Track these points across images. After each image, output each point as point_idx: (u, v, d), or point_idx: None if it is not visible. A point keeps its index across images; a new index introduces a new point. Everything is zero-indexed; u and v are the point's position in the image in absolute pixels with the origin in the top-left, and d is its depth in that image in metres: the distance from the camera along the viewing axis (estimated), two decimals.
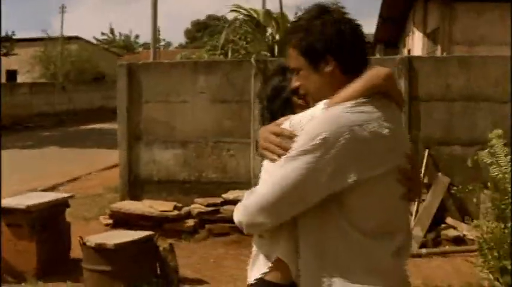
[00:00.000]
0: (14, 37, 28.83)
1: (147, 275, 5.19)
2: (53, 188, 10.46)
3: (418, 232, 6.64)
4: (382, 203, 1.70)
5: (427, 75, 7.25)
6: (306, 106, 1.85)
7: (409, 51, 15.38)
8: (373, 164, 1.65)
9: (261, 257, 1.84)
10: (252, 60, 7.30)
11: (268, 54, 7.88)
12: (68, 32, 36.40)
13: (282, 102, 2.01)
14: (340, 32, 1.76)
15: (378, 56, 20.11)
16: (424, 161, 7.04)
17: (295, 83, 1.87)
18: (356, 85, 1.71)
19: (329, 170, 1.62)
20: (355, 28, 1.81)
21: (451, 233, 6.75)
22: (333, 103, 1.70)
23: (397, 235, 1.76)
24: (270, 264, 1.81)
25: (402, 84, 7.13)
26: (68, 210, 8.42)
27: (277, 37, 7.66)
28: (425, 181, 7.05)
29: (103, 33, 57.07)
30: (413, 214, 6.74)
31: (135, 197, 7.94)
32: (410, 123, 7.18)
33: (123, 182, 8.10)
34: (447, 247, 6.61)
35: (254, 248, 1.89)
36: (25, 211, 5.55)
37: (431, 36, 12.03)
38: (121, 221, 7.36)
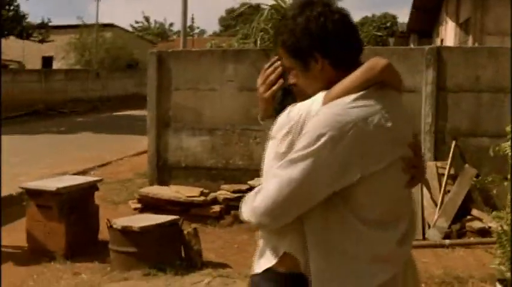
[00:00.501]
0: (49, 24, 29.31)
1: (171, 258, 5.31)
2: (83, 173, 10.66)
3: (442, 223, 6.63)
4: (386, 194, 1.71)
5: (455, 66, 7.20)
6: (308, 95, 1.82)
7: (441, 41, 15.20)
8: (378, 158, 1.66)
9: (268, 250, 1.82)
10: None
11: None
12: (105, 20, 36.72)
13: (282, 92, 1.91)
14: (325, 26, 1.73)
15: (411, 45, 19.90)
16: (451, 152, 7.00)
17: (291, 80, 1.86)
18: (351, 78, 1.69)
19: (335, 169, 1.63)
20: (340, 19, 1.77)
21: (476, 224, 6.71)
22: (330, 98, 1.69)
23: (401, 222, 1.78)
24: (278, 257, 1.79)
25: (430, 75, 7.10)
26: (98, 194, 8.63)
27: None
28: (452, 172, 7.02)
29: (137, 22, 57.61)
30: (439, 204, 6.73)
31: (163, 182, 8.09)
32: (437, 114, 7.15)
33: (152, 168, 8.26)
34: (471, 238, 6.58)
35: (261, 240, 1.88)
36: (54, 193, 5.72)
37: (464, 27, 11.87)
38: (149, 205, 7.52)
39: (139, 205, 7.73)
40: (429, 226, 6.65)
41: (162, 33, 57.15)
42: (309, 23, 1.74)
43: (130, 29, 47.70)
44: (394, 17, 41.06)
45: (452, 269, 5.52)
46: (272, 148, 1.79)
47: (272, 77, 1.92)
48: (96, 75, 31.03)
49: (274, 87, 1.91)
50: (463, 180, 6.97)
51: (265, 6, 8.21)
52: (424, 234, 6.59)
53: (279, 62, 1.90)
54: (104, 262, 5.65)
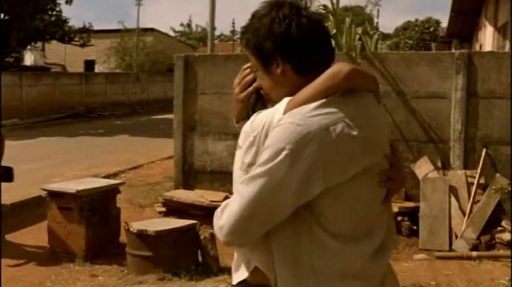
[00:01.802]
0: (91, 28, 29.86)
1: (186, 263, 5.28)
2: (115, 175, 10.80)
3: (470, 233, 6.42)
4: (354, 206, 1.62)
5: (487, 72, 6.97)
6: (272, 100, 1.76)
7: (480, 46, 14.84)
8: (342, 169, 1.56)
9: (243, 263, 1.78)
10: None
11: None
12: (148, 24, 37.32)
13: (256, 95, 1.85)
14: (288, 29, 1.65)
15: (453, 50, 19.52)
16: (481, 160, 6.78)
17: (257, 82, 1.80)
18: (312, 86, 1.61)
19: (296, 185, 1.55)
20: (307, 24, 1.68)
21: (506, 236, 6.47)
22: (291, 106, 1.61)
23: (375, 234, 1.69)
24: (249, 270, 1.75)
25: (460, 81, 6.90)
26: (125, 197, 8.75)
27: (333, 31, 7.55)
28: (482, 181, 6.80)
29: (181, 25, 58.29)
30: (467, 214, 6.53)
31: (189, 186, 8.08)
32: (467, 121, 6.94)
33: (178, 172, 8.26)
34: (501, 251, 6.35)
35: (235, 255, 1.84)
36: (75, 195, 5.77)
37: (502, 31, 11.55)
38: (173, 209, 7.52)
39: (164, 209, 7.73)
40: (456, 237, 6.45)
41: (204, 37, 57.63)
42: (272, 24, 1.67)
43: (172, 33, 48.28)
44: (437, 22, 40.54)
45: (478, 283, 5.33)
46: (239, 158, 1.73)
47: (248, 78, 1.86)
48: (136, 79, 31.46)
49: (250, 89, 1.86)
50: (494, 190, 6.73)
51: None
52: (450, 245, 6.40)
53: (251, 74, 1.85)
54: (122, 265, 5.67)
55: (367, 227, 1.67)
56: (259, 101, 1.83)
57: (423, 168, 6.91)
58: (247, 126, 1.72)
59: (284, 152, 1.54)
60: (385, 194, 1.71)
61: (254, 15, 1.74)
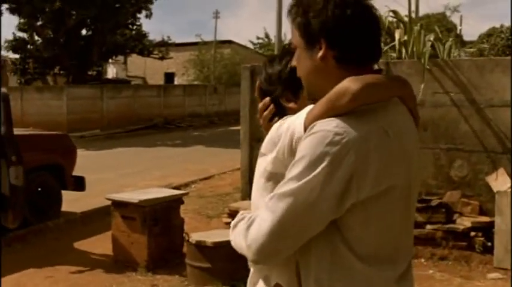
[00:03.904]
0: (170, 42, 30.60)
1: (245, 275, 5.17)
2: (185, 185, 10.90)
3: None
4: (382, 224, 1.49)
5: None
6: (297, 109, 1.68)
7: None
8: (375, 180, 1.43)
9: (261, 279, 1.72)
10: None
11: (394, 55, 7.55)
12: (226, 37, 37.94)
13: (273, 107, 1.85)
14: (343, 14, 1.51)
15: None
16: None
17: (293, 62, 1.68)
18: (321, 103, 1.49)
19: (334, 198, 1.42)
20: (364, 13, 1.54)
21: None
22: (310, 120, 1.50)
23: (401, 258, 1.55)
24: (270, 286, 1.68)
25: None
26: (193, 207, 8.80)
27: (405, 38, 7.30)
28: None
29: (258, 37, 58.78)
30: None
31: None
32: None
33: (244, 182, 8.21)
34: None
35: (252, 270, 1.77)
36: (137, 205, 5.81)
37: None
38: None
39: (230, 220, 7.69)
40: None
41: None
42: (328, 5, 1.52)
43: (250, 45, 48.73)
44: None
45: None
46: (261, 165, 1.67)
47: (265, 114, 1.88)
48: (214, 91, 31.90)
49: (272, 123, 1.82)
50: None
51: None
52: None
53: (272, 105, 1.87)
54: (183, 276, 5.65)
55: (394, 251, 1.53)
56: (277, 108, 1.83)
57: (499, 180, 6.51)
58: (272, 133, 1.65)
59: (322, 165, 1.41)
60: (413, 217, 1.60)
61: None
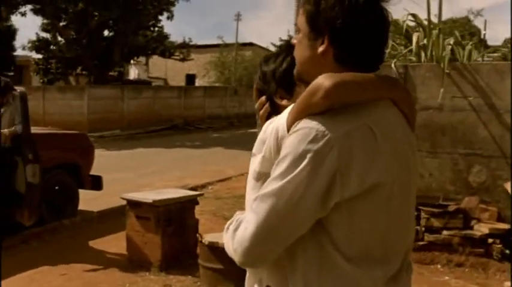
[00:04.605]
0: (191, 43, 30.73)
1: None
2: (202, 187, 10.92)
3: None
4: (370, 223, 1.45)
5: None
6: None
7: None
8: (360, 178, 1.40)
9: (256, 282, 1.71)
10: (392, 65, 6.96)
11: (414, 59, 7.47)
12: (247, 39, 38.03)
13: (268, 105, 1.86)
14: (354, 16, 1.47)
15: None
16: None
17: (293, 40, 1.64)
18: (297, 102, 1.47)
19: (318, 196, 1.39)
20: (376, 18, 1.51)
21: None
22: (290, 121, 1.49)
23: (392, 259, 1.51)
24: None
25: None
26: (209, 208, 8.81)
27: (424, 42, 7.22)
28: None
29: (281, 39, 58.81)
30: None
31: None
32: None
33: None
34: None
35: (247, 273, 1.76)
36: (151, 205, 5.82)
37: None
38: None
39: None
40: None
41: None
42: (340, 2, 1.48)
43: (272, 47, 48.79)
44: None
45: None
46: (252, 166, 1.65)
47: (261, 113, 1.89)
48: (234, 92, 31.95)
49: (263, 110, 1.89)
50: None
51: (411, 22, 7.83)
52: None
53: (267, 104, 1.88)
54: (195, 277, 5.64)
55: (383, 251, 1.49)
56: (274, 109, 1.83)
57: None
58: (261, 134, 1.63)
59: (304, 162, 1.39)
60: (409, 218, 1.56)
61: None
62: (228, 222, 1.63)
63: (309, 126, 1.41)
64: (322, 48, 1.51)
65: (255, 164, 1.62)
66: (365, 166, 1.40)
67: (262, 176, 1.58)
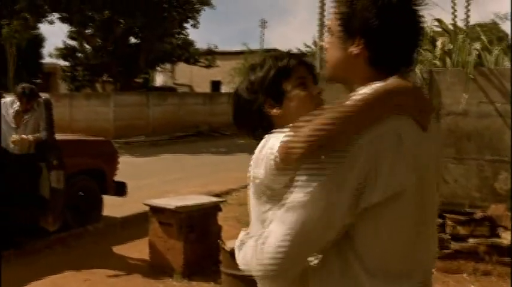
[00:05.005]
0: (216, 50, 30.87)
1: None
2: (226, 193, 10.91)
3: None
4: (392, 232, 1.42)
5: None
6: (282, 115, 1.72)
7: None
8: (385, 184, 1.37)
9: None
10: (417, 70, 6.88)
11: (438, 63, 7.37)
12: (272, 45, 38.05)
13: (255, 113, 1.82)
14: (388, 17, 1.45)
15: None
16: None
17: (324, 43, 1.61)
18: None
19: (348, 202, 1.37)
20: (410, 20, 1.49)
21: None
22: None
23: (416, 274, 1.48)
24: None
25: None
26: (233, 215, 8.78)
27: (449, 47, 7.13)
28: None
29: (306, 45, 58.78)
30: None
31: None
32: None
33: None
34: None
35: (258, 284, 1.75)
36: (174, 211, 5.83)
37: None
38: None
39: None
40: None
41: None
42: (375, 4, 1.46)
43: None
44: None
45: None
46: (252, 178, 1.69)
47: None
48: None
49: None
50: None
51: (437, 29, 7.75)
52: None
53: None
54: (218, 283, 5.62)
55: (405, 264, 1.46)
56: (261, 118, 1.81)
57: None
58: (256, 153, 1.66)
59: (334, 168, 1.37)
60: (433, 231, 1.54)
61: None
62: (239, 240, 1.60)
63: None
64: (356, 50, 1.49)
65: (255, 178, 1.64)
66: (391, 171, 1.38)
67: (264, 191, 1.62)
